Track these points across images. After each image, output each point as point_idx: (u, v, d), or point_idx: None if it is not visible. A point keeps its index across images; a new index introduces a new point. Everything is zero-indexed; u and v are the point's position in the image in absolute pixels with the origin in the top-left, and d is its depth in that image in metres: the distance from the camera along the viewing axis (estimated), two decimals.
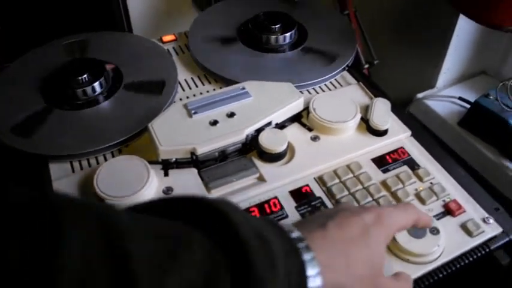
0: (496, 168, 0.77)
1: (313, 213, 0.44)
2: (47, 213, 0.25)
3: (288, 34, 0.73)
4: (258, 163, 0.57)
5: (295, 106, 0.61)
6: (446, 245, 0.49)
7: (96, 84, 0.64)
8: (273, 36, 0.73)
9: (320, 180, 0.55)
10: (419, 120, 0.90)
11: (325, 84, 0.70)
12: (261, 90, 0.61)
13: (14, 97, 0.65)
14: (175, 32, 0.79)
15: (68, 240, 0.24)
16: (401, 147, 0.59)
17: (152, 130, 0.56)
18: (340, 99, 0.62)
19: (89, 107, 0.63)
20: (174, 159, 0.56)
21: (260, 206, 0.53)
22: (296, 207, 0.53)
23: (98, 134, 0.59)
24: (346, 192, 0.54)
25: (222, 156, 0.57)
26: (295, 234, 0.35)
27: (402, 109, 0.67)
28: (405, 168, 0.57)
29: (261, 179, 0.55)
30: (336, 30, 0.78)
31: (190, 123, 0.57)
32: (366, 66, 0.87)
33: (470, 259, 0.49)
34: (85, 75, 0.64)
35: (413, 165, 0.57)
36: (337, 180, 0.55)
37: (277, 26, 0.73)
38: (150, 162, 0.54)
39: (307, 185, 0.55)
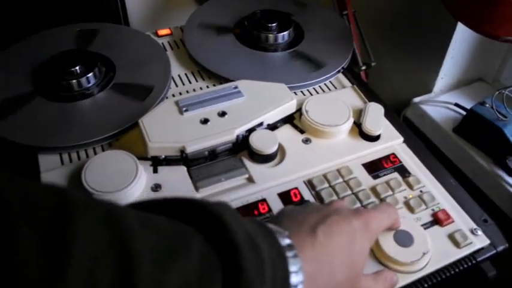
0: (488, 177, 0.76)
1: (306, 205, 0.44)
2: (61, 208, 0.26)
3: (283, 33, 0.72)
4: (248, 163, 0.56)
5: (288, 108, 0.60)
6: (433, 254, 0.48)
7: (88, 77, 0.63)
8: (269, 35, 0.72)
9: (309, 183, 0.55)
10: (415, 125, 0.90)
11: (319, 86, 0.69)
12: (253, 90, 0.60)
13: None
14: (172, 26, 0.79)
15: (77, 237, 0.25)
16: (393, 154, 0.59)
17: (142, 126, 0.55)
18: (334, 102, 0.62)
19: (80, 99, 0.62)
20: (163, 156, 0.55)
21: (248, 207, 0.52)
22: None
23: (89, 127, 0.58)
24: (335, 197, 0.53)
25: (212, 155, 0.56)
26: (286, 241, 0.36)
27: (396, 114, 0.67)
28: (396, 175, 0.57)
29: (250, 180, 0.55)
30: (332, 31, 0.77)
31: (181, 120, 0.56)
32: (363, 67, 0.87)
33: (457, 270, 0.49)
34: (77, 67, 0.63)
35: (404, 172, 0.57)
36: (326, 185, 0.55)
37: (273, 25, 0.73)
38: (140, 158, 0.54)
39: (296, 188, 0.55)
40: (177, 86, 0.68)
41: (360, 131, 0.60)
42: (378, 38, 0.97)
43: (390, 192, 0.54)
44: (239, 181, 0.55)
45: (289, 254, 0.35)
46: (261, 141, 0.55)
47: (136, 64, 0.68)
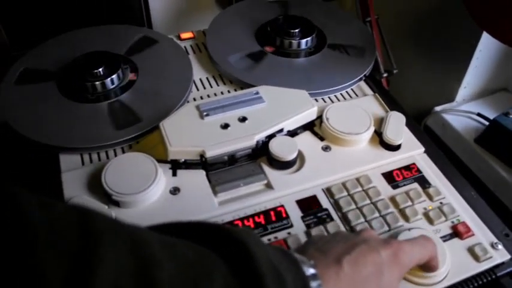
0: (510, 189, 0.75)
1: (334, 233, 0.44)
2: (86, 234, 0.26)
3: (306, 40, 0.72)
4: (267, 169, 0.56)
5: (309, 115, 0.60)
6: (452, 268, 0.48)
7: (112, 78, 0.64)
8: (291, 41, 0.72)
9: (328, 191, 0.55)
10: (436, 134, 0.89)
11: (340, 94, 0.69)
12: (274, 96, 0.60)
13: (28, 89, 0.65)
14: (194, 30, 0.79)
15: (102, 266, 0.25)
16: (414, 164, 0.58)
17: (163, 129, 0.56)
18: (355, 110, 0.61)
19: (102, 101, 0.63)
20: (183, 160, 0.55)
21: (266, 213, 0.52)
22: (302, 217, 0.52)
23: (110, 129, 0.59)
24: (353, 206, 0.53)
25: (231, 160, 0.56)
26: (310, 271, 0.36)
27: (417, 124, 0.66)
28: (416, 185, 0.56)
29: (269, 186, 0.55)
30: (355, 38, 0.76)
31: (202, 125, 0.57)
32: (385, 75, 0.86)
33: (476, 284, 0.48)
34: (100, 69, 0.64)
35: (424, 183, 0.56)
36: (345, 193, 0.54)
37: (296, 31, 0.72)
38: (159, 161, 0.54)
39: (314, 196, 0.54)
40: (198, 89, 0.68)
41: (380, 140, 0.60)
42: (400, 44, 0.96)
43: (410, 203, 0.54)
44: (257, 187, 0.55)
45: (313, 284, 0.35)
46: (281, 148, 0.55)
47: (159, 67, 0.69)
